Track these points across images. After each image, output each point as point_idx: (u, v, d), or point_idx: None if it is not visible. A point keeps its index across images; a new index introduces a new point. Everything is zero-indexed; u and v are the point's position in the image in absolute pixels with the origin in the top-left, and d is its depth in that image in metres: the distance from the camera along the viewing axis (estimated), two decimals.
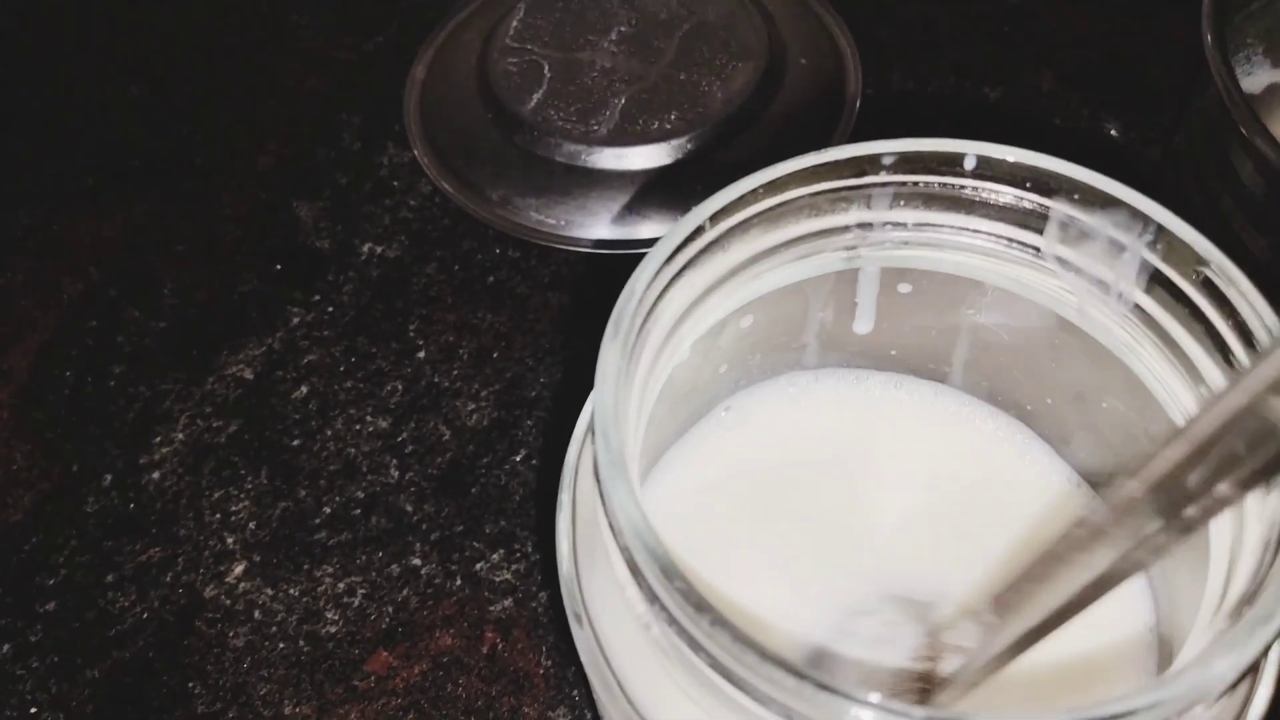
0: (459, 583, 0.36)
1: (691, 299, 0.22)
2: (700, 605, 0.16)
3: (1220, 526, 0.19)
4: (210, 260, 0.45)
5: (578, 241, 0.44)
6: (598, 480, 0.18)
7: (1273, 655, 0.19)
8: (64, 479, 0.39)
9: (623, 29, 0.49)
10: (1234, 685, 0.17)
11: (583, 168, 0.45)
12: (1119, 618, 0.23)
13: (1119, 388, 0.23)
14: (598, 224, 0.44)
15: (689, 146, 0.45)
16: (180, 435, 0.40)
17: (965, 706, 0.20)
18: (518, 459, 0.38)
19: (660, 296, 0.20)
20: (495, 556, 0.36)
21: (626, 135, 0.45)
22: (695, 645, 0.16)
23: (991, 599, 0.20)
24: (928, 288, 0.26)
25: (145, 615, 0.36)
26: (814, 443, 0.28)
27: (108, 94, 0.52)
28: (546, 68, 0.47)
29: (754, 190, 0.21)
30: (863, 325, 0.28)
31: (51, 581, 0.37)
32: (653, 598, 0.17)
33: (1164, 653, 0.23)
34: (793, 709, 0.16)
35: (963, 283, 0.25)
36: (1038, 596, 0.18)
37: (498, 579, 0.36)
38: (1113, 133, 0.46)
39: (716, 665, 0.16)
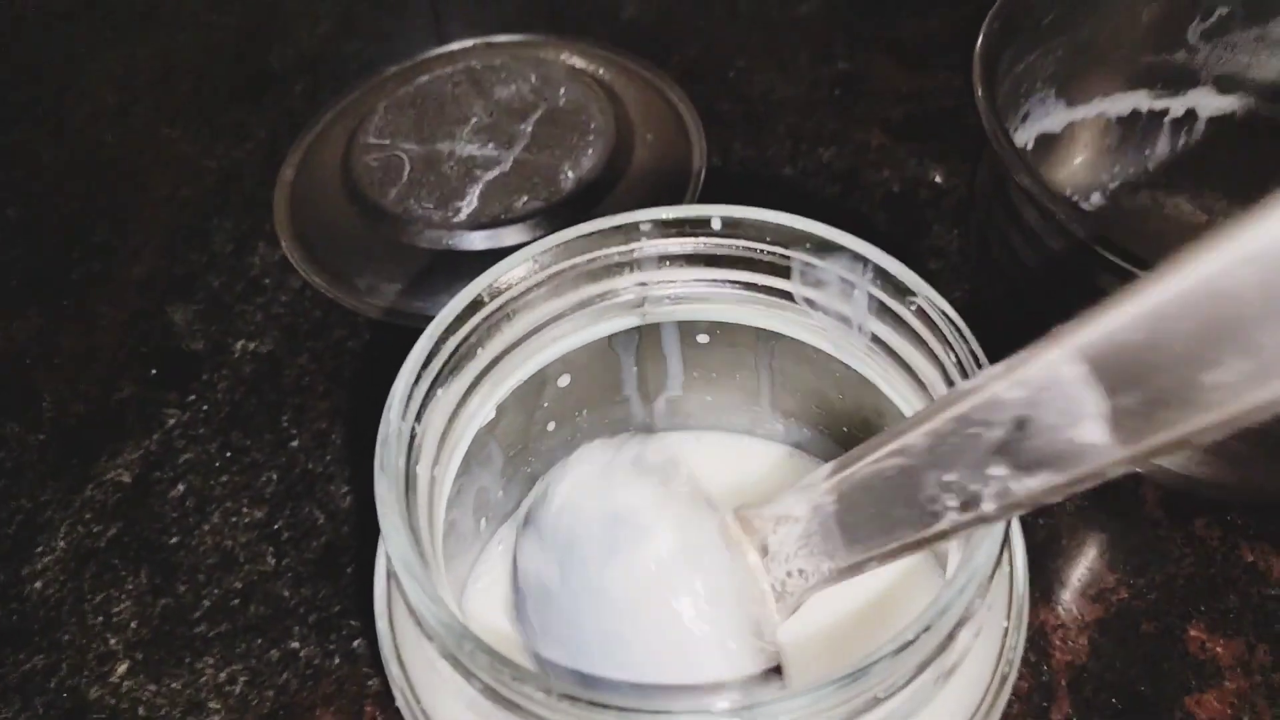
0: (337, 661, 0.37)
1: (483, 366, 0.24)
2: (463, 636, 0.18)
3: None
4: (88, 371, 0.46)
5: None
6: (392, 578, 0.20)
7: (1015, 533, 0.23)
8: None
9: (478, 119, 0.52)
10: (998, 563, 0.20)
11: (446, 250, 0.47)
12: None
13: (886, 412, 0.25)
14: None
15: (546, 224, 0.47)
16: (61, 543, 0.41)
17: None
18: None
19: (446, 366, 0.23)
20: (372, 632, 0.37)
21: (485, 218, 0.48)
22: (469, 675, 0.18)
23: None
24: (721, 336, 0.28)
25: None
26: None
27: None
28: (407, 161, 0.50)
29: (524, 262, 0.23)
30: (674, 375, 0.30)
31: None
32: (431, 637, 0.18)
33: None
34: None
35: (748, 330, 0.27)
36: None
37: (375, 654, 0.37)
38: (937, 179, 0.49)
39: (488, 691, 0.18)
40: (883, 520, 0.21)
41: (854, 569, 0.22)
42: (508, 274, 0.23)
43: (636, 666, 0.22)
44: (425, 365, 0.22)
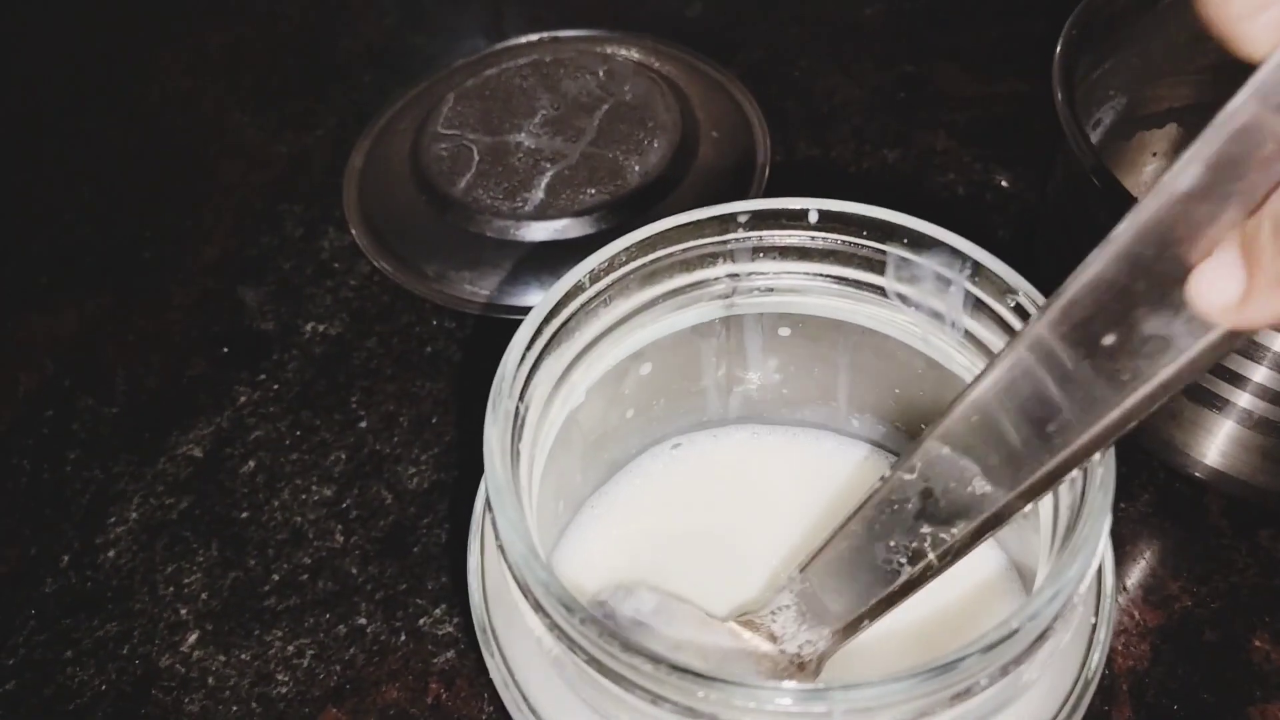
0: (403, 638, 0.38)
1: (580, 348, 0.24)
2: (572, 607, 0.18)
3: None
4: (160, 348, 0.47)
5: (509, 309, 0.47)
6: (489, 508, 0.20)
7: (1106, 550, 0.24)
8: (22, 562, 0.41)
9: (546, 112, 0.52)
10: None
11: (512, 241, 0.48)
12: (975, 565, 0.27)
13: None
14: (528, 292, 0.47)
15: (610, 217, 0.48)
16: (134, 514, 0.42)
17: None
18: (457, 518, 0.40)
19: (549, 345, 0.23)
20: (438, 611, 0.38)
21: (552, 210, 0.48)
22: (574, 645, 0.19)
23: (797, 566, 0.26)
24: (804, 330, 0.28)
25: (103, 687, 0.37)
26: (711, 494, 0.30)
27: (60, 197, 0.54)
28: (475, 151, 0.51)
29: (627, 249, 0.24)
30: (754, 368, 0.30)
31: (11, 661, 0.38)
32: (537, 607, 0.19)
33: (1027, 580, 0.27)
34: (656, 693, 0.18)
35: (831, 324, 0.27)
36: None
37: (440, 632, 0.38)
38: (1003, 184, 0.49)
39: (592, 661, 0.18)
40: (855, 586, 0.25)
41: (851, 628, 0.26)
42: (608, 260, 0.24)
43: None
44: (530, 346, 0.22)
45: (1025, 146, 0.51)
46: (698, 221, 0.24)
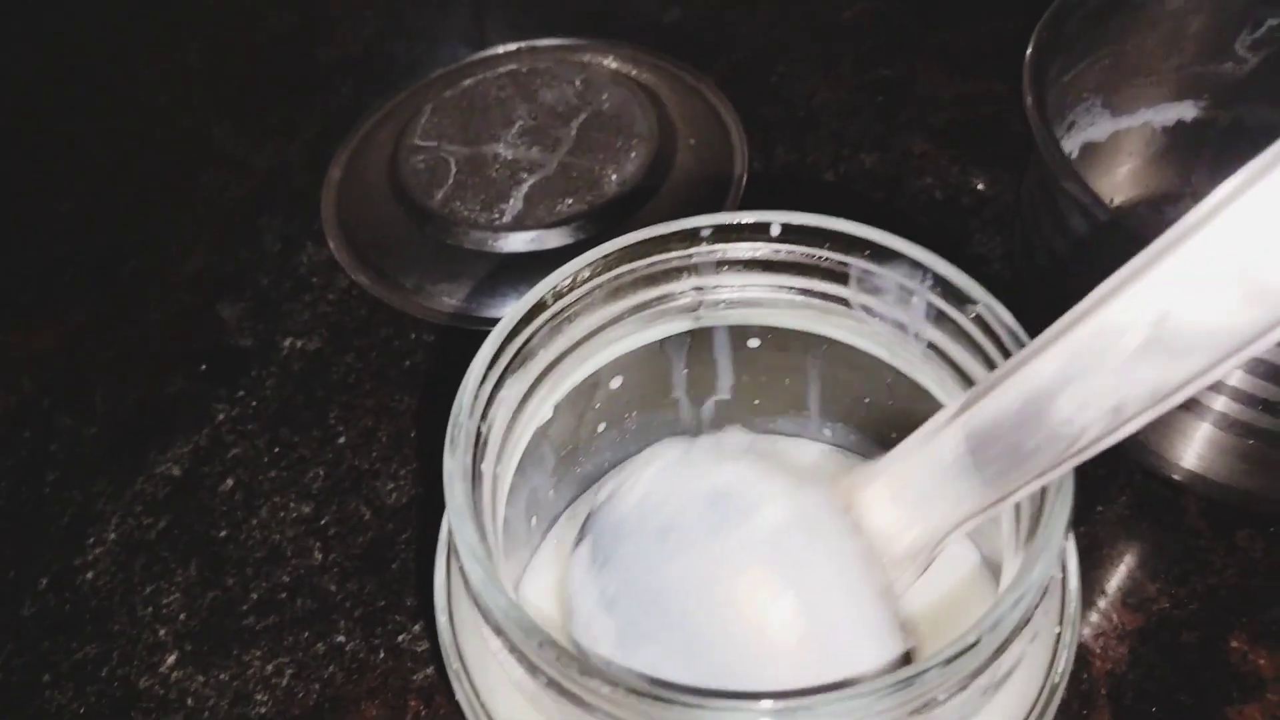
0: (382, 655, 0.38)
1: (545, 365, 0.24)
2: (530, 630, 0.18)
3: None
4: (139, 365, 0.47)
5: (488, 321, 0.46)
6: (450, 532, 0.20)
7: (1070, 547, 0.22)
8: (0, 585, 0.41)
9: (523, 122, 0.52)
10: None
11: (490, 252, 0.48)
12: (950, 564, 0.26)
13: None
14: (507, 303, 0.47)
15: (588, 227, 0.48)
16: (112, 535, 0.41)
17: None
18: (435, 533, 0.40)
19: (512, 364, 0.23)
20: (416, 628, 0.38)
21: (530, 220, 0.48)
22: (534, 669, 0.18)
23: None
24: (773, 341, 0.28)
25: (82, 710, 0.37)
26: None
27: (38, 212, 0.54)
28: (453, 162, 0.51)
29: (590, 264, 0.24)
30: (724, 379, 0.30)
31: None
32: (498, 630, 0.19)
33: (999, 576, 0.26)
34: (616, 716, 0.18)
35: (799, 335, 0.27)
36: None
37: (419, 649, 0.38)
38: (980, 186, 0.49)
39: (552, 684, 0.18)
40: (1018, 452, 0.20)
41: (990, 509, 0.21)
42: (571, 276, 0.24)
43: (759, 649, 0.21)
44: (491, 365, 0.22)
45: (1003, 149, 0.51)
46: (660, 236, 0.24)
